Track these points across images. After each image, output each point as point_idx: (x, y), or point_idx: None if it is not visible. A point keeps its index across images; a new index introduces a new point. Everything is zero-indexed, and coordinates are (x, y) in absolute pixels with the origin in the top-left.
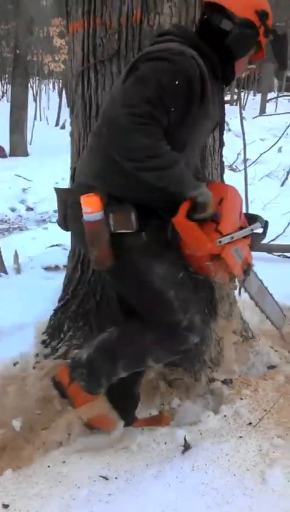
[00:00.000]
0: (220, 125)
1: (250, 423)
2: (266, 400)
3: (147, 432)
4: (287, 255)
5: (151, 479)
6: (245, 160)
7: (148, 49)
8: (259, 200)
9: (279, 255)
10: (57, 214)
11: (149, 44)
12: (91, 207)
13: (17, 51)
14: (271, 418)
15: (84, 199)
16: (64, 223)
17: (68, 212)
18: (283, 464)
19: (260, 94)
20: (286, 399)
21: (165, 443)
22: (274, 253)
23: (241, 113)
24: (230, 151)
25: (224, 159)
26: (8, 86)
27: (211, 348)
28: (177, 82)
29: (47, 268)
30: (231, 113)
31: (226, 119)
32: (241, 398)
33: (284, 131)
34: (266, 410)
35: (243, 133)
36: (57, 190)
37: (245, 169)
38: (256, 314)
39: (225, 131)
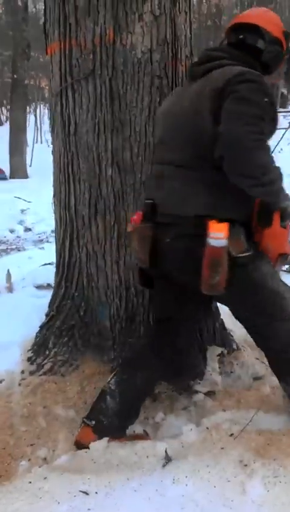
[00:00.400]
0: None
1: (231, 434)
2: (248, 411)
3: (129, 446)
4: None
5: (131, 493)
6: None
7: (232, 73)
8: None
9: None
10: (53, 234)
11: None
12: (223, 232)
13: (15, 76)
14: (253, 429)
15: (215, 226)
16: (150, 259)
17: (167, 245)
18: (263, 474)
19: None
20: (268, 409)
21: (147, 457)
22: None
23: None
24: None
25: None
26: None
27: (195, 361)
28: (265, 99)
29: (39, 287)
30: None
31: None
32: (223, 410)
33: (275, 146)
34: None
35: None
36: (138, 229)
37: None
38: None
39: None
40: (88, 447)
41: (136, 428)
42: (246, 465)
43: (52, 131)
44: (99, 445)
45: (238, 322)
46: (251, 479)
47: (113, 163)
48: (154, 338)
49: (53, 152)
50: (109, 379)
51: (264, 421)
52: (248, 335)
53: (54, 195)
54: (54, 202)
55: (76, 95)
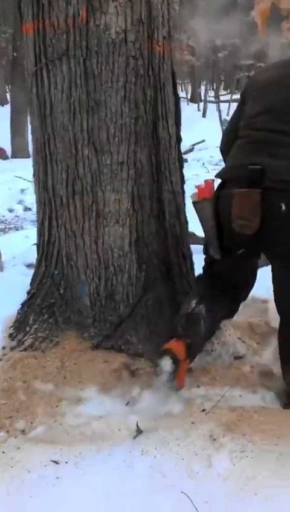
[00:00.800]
0: (177, 120)
1: (204, 410)
2: (223, 388)
3: (103, 419)
4: None
5: (100, 463)
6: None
7: None
8: None
9: None
10: None
11: None
12: None
13: (15, 54)
14: (225, 405)
15: None
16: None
17: (281, 211)
18: (230, 449)
19: None
20: (244, 387)
21: (119, 429)
22: None
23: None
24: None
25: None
26: None
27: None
28: None
29: (29, 266)
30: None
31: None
32: (198, 386)
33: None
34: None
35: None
36: (242, 193)
37: None
38: None
39: None
40: (177, 359)
41: (115, 400)
42: (215, 440)
43: (30, 112)
44: (74, 418)
45: None
46: (218, 452)
47: (90, 143)
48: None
49: (32, 132)
50: (195, 305)
51: (238, 398)
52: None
53: (33, 175)
54: (34, 182)
55: (51, 75)
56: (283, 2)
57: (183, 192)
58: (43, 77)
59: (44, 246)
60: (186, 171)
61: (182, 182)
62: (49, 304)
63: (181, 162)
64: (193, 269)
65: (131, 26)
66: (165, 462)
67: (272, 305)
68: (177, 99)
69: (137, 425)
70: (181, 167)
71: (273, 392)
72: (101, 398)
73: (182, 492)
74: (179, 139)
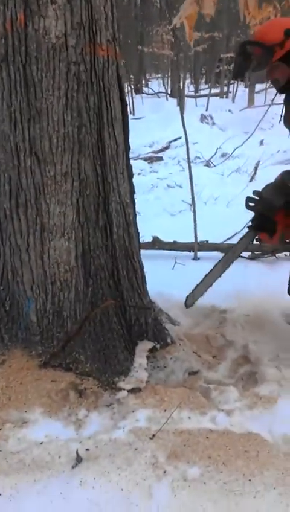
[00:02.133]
0: (124, 128)
1: (148, 434)
2: (170, 410)
3: (44, 445)
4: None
5: (35, 496)
6: (188, 156)
7: None
8: (224, 197)
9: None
10: None
11: None
12: None
13: None
14: (172, 429)
15: None
16: None
17: None
18: (172, 478)
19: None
20: (193, 407)
21: (59, 457)
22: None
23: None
24: (209, 146)
25: (199, 154)
26: None
27: (120, 356)
28: None
29: None
30: (218, 106)
31: (212, 112)
32: (145, 408)
33: (258, 124)
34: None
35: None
36: None
37: (189, 166)
38: (190, 317)
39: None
40: None
41: (60, 422)
42: (157, 467)
43: None
44: (16, 443)
45: (186, 312)
46: (159, 482)
47: (32, 153)
48: None
49: None
50: None
51: (186, 420)
52: (196, 327)
53: None
54: None
55: None
56: (205, 7)
57: (133, 202)
58: None
59: None
60: (161, 170)
61: (132, 192)
62: None
63: (130, 171)
64: (144, 282)
65: (71, 29)
66: (103, 493)
67: (230, 316)
68: (124, 105)
69: (77, 453)
70: (130, 176)
71: (223, 412)
72: (46, 420)
73: None
74: (127, 147)
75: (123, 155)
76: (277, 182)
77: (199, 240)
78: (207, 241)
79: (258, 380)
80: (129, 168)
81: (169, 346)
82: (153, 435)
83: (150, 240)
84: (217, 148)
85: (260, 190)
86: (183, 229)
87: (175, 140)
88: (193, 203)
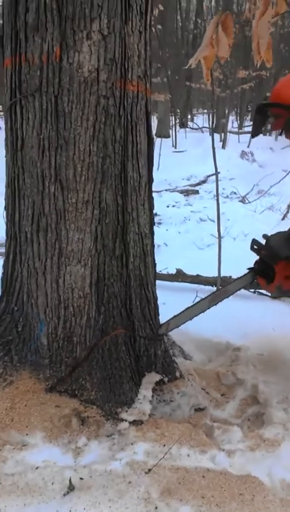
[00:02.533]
0: (149, 161)
1: (144, 469)
2: (169, 446)
3: (39, 470)
4: (262, 291)
5: None
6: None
7: None
8: (253, 233)
9: (254, 292)
10: None
11: None
12: None
13: None
14: (169, 465)
15: None
16: None
17: None
18: None
19: None
20: (194, 444)
21: (52, 483)
22: (250, 290)
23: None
24: (247, 182)
25: (235, 189)
26: None
27: (125, 387)
28: None
29: None
30: (260, 143)
31: (253, 149)
32: (144, 442)
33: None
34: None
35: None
36: None
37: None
38: (203, 352)
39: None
40: None
41: (59, 449)
42: (149, 503)
43: (5, 145)
44: (13, 466)
45: (200, 348)
46: None
47: (56, 180)
48: None
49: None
50: None
51: (185, 457)
52: (209, 363)
53: (4, 208)
54: (4, 215)
55: (24, 110)
56: (221, 50)
57: (152, 234)
58: (17, 112)
59: (7, 280)
60: (196, 203)
61: (151, 223)
62: (7, 340)
63: (151, 202)
64: (157, 313)
65: (104, 65)
66: None
67: (243, 354)
68: (150, 139)
69: (70, 481)
70: (151, 208)
71: (224, 452)
72: (46, 445)
73: None
74: (150, 180)
75: (145, 187)
76: (288, 232)
77: (223, 275)
78: (230, 276)
79: (265, 421)
80: (151, 199)
81: (177, 380)
82: (149, 470)
83: (174, 272)
84: (254, 185)
85: (269, 236)
86: (209, 263)
87: (213, 175)
88: (219, 238)
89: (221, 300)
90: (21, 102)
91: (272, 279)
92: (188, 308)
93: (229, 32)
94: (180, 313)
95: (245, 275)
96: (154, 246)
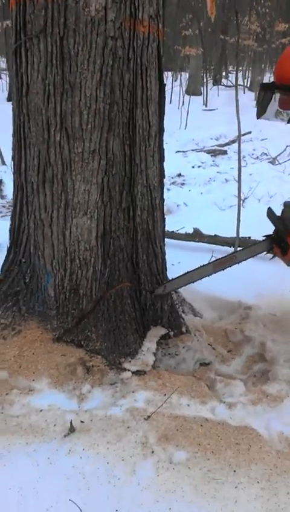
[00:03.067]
0: (160, 109)
1: (143, 415)
2: (168, 394)
3: (42, 413)
4: None
5: (24, 457)
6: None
7: None
8: (280, 195)
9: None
10: None
11: None
12: None
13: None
14: (168, 413)
15: None
16: None
17: None
18: (158, 458)
19: None
20: (194, 395)
21: (54, 425)
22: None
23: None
24: (280, 143)
25: (265, 150)
26: None
27: (129, 338)
28: None
29: None
30: None
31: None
32: (145, 390)
33: None
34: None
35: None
36: None
37: (239, 157)
38: (215, 310)
39: None
40: None
41: (64, 394)
42: (146, 447)
43: (12, 91)
44: (19, 408)
45: (211, 305)
46: (145, 460)
47: (62, 128)
48: None
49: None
50: None
51: (185, 407)
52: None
53: (12, 158)
54: (12, 165)
55: (29, 54)
56: None
57: (161, 187)
58: (22, 56)
59: (15, 232)
60: (223, 164)
61: (161, 176)
62: (15, 291)
63: (162, 154)
64: (164, 268)
65: (112, 3)
66: (89, 464)
67: (254, 313)
68: (162, 86)
69: (71, 424)
70: (161, 160)
71: (224, 404)
72: (51, 391)
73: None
74: (161, 130)
75: (156, 137)
76: None
77: (242, 236)
78: (249, 237)
79: (270, 378)
80: (161, 151)
81: (183, 335)
82: (148, 416)
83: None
84: (287, 146)
85: (285, 206)
86: (229, 224)
87: (244, 134)
88: (239, 197)
89: (229, 266)
90: (26, 45)
91: (286, 252)
92: (189, 272)
93: None
94: (180, 276)
95: (261, 241)
96: (163, 199)
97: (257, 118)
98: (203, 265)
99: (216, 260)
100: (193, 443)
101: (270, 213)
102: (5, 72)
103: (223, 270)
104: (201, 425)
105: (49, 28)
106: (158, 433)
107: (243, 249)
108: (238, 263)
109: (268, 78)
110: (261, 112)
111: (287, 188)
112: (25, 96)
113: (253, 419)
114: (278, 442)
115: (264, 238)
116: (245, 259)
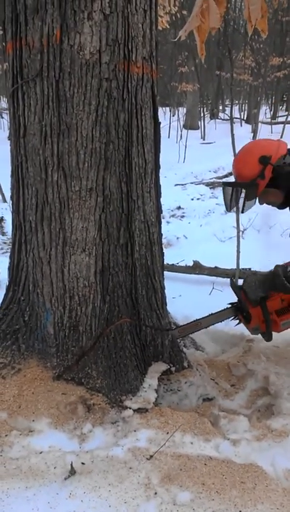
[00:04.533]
0: (155, 146)
1: (146, 455)
2: (171, 433)
3: (43, 455)
4: None
5: (23, 502)
6: None
7: None
8: (279, 225)
9: None
10: None
11: None
12: None
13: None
14: (171, 451)
15: None
16: None
17: None
18: (161, 500)
19: None
20: (198, 432)
21: (55, 467)
22: None
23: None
24: None
25: None
26: None
27: (130, 375)
28: None
29: None
30: None
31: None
32: (148, 429)
33: None
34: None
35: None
36: None
37: None
38: (217, 343)
39: None
40: None
41: (65, 434)
42: (149, 488)
43: (10, 132)
44: (19, 450)
45: (213, 339)
46: (148, 503)
47: (59, 168)
48: None
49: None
50: None
51: (189, 445)
52: (223, 354)
53: (10, 197)
54: (10, 204)
55: (25, 96)
56: (211, 20)
57: (159, 222)
58: (19, 98)
59: (14, 270)
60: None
61: (159, 211)
62: (14, 329)
63: (158, 190)
64: (164, 303)
65: (106, 46)
66: (90, 508)
67: (256, 345)
68: (157, 124)
69: (71, 466)
70: (158, 196)
71: (229, 441)
72: (51, 431)
73: None
74: (157, 166)
75: (152, 174)
76: (267, 273)
77: (243, 267)
78: (249, 268)
79: (274, 412)
80: (158, 187)
81: (185, 370)
82: (151, 456)
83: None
84: None
85: (246, 277)
86: (229, 255)
87: None
88: (238, 230)
89: (193, 332)
90: (22, 88)
91: (248, 321)
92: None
93: (221, 1)
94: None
95: (226, 309)
96: (161, 234)
97: (228, 211)
98: (171, 328)
99: (181, 326)
100: (197, 483)
101: (232, 284)
102: (6, 111)
103: (185, 336)
104: (205, 464)
105: (45, 71)
106: (161, 473)
107: (209, 315)
108: (205, 328)
109: (265, 111)
110: (230, 207)
111: (285, 219)
112: (23, 138)
113: (258, 456)
114: (285, 479)
115: (229, 305)
116: (209, 326)
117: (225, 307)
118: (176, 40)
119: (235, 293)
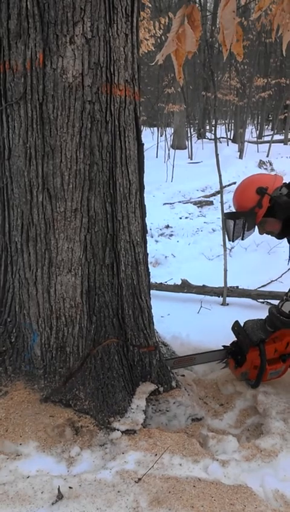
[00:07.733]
0: (139, 167)
1: (134, 478)
2: (159, 455)
3: (30, 479)
4: (270, 301)
5: None
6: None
7: None
8: (266, 244)
9: (262, 302)
10: None
11: None
12: None
13: None
14: (160, 474)
15: None
16: None
17: None
18: None
19: None
20: (186, 454)
21: (42, 492)
22: (258, 300)
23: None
24: None
25: None
26: None
27: (117, 396)
28: None
29: None
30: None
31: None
32: (136, 451)
33: None
34: (155, 465)
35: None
36: None
37: (222, 207)
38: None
39: None
40: None
41: (53, 458)
42: None
43: None
44: (6, 475)
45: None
46: None
47: (44, 189)
48: None
49: None
50: None
51: (177, 467)
52: (211, 373)
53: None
54: None
55: (9, 119)
56: (187, 44)
57: (144, 241)
58: (3, 121)
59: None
60: (210, 214)
61: (144, 231)
62: (0, 352)
63: (143, 210)
64: (151, 322)
65: (88, 69)
66: None
67: None
68: (140, 145)
69: (58, 490)
70: (143, 215)
71: (218, 462)
72: (39, 455)
73: None
74: (141, 187)
75: (136, 194)
76: (266, 317)
77: (230, 285)
78: (237, 286)
79: (263, 432)
80: (142, 206)
81: (173, 390)
82: (139, 479)
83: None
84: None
85: (246, 321)
86: (217, 273)
87: (228, 185)
88: (224, 248)
89: (185, 367)
90: (7, 111)
91: (240, 365)
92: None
93: (197, 25)
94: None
95: (218, 351)
96: (147, 254)
97: (232, 241)
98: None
99: (177, 357)
100: (185, 505)
101: (235, 326)
102: None
103: (181, 368)
104: (194, 486)
105: (28, 94)
106: (150, 496)
107: (203, 353)
108: (198, 364)
109: (251, 130)
110: (234, 238)
111: (272, 238)
112: (7, 160)
113: (248, 477)
114: (274, 500)
115: (222, 347)
116: (202, 363)
117: (218, 349)
118: (153, 64)
119: (235, 334)
